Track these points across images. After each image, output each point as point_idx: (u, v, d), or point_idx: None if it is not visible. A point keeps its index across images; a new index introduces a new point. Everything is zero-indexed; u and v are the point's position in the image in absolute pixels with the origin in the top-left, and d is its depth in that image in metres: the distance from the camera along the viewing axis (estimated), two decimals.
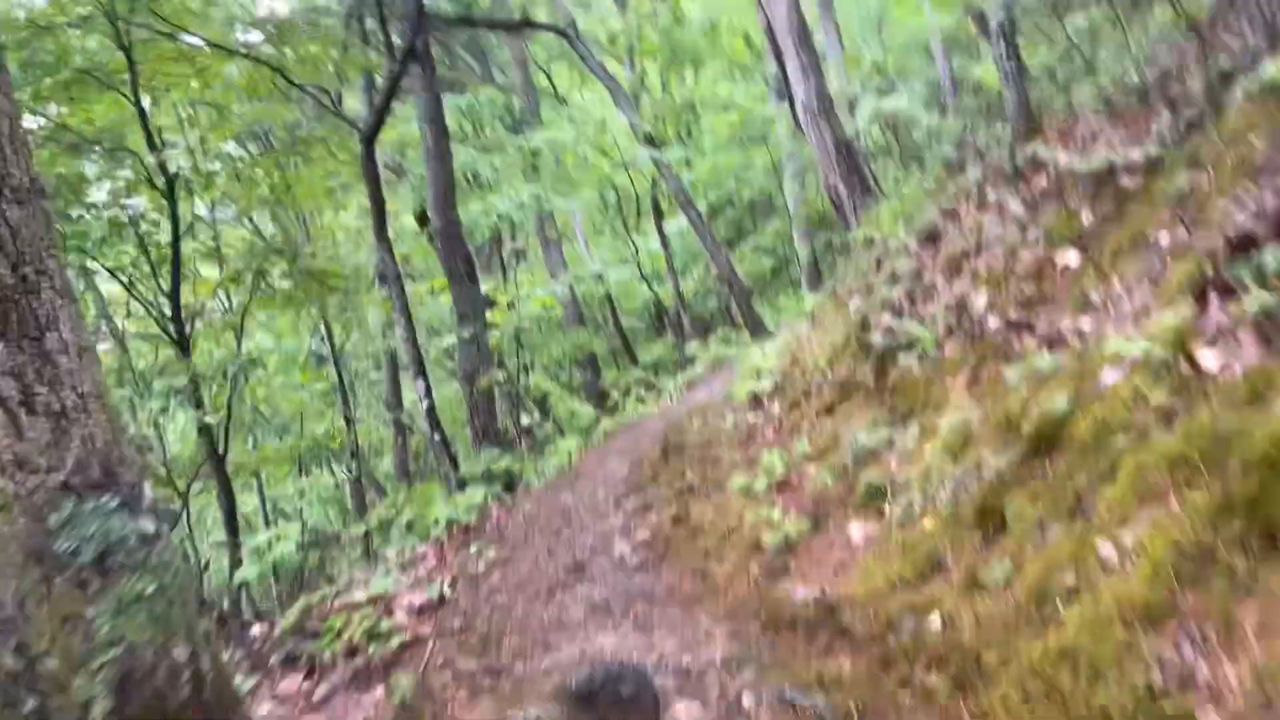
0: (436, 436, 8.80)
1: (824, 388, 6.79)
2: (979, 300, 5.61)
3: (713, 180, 25.44)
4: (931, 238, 7.79)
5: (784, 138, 25.68)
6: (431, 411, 8.80)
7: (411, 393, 16.37)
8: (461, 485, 8.86)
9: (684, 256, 26.39)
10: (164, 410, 10.69)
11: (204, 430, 10.17)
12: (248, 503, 16.18)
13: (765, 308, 23.19)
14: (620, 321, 23.76)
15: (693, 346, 19.41)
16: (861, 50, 23.75)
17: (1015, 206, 6.79)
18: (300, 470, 16.29)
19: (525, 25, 19.26)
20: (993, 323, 5.18)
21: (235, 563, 9.70)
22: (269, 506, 15.17)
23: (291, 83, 9.87)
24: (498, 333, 15.46)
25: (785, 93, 27.00)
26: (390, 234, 13.23)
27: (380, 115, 8.74)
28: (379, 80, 19.26)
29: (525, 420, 12.51)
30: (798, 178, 26.61)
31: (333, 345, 14.57)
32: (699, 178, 23.81)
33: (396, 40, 13.44)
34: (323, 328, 13.93)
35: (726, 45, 25.20)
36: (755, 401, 8.18)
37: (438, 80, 14.14)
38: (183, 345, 10.11)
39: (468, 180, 18.85)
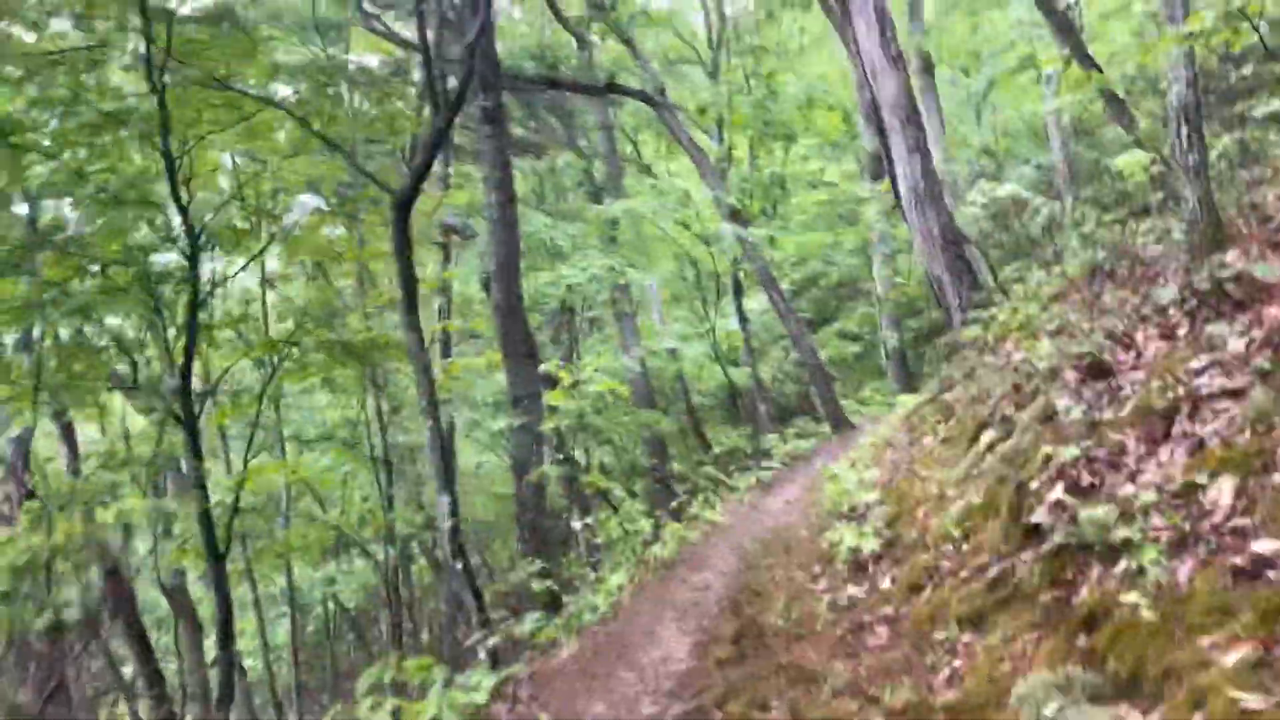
0: (459, 564, 7.04)
1: (961, 573, 4.87)
2: (1220, 493, 3.71)
3: (798, 259, 23.67)
4: (1099, 372, 5.87)
5: (875, 219, 23.88)
6: (455, 534, 7.05)
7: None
8: (484, 623, 7.08)
9: (763, 338, 24.57)
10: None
11: (204, 520, 8.57)
12: (273, 583, 14.66)
13: (848, 400, 21.21)
14: (692, 402, 21.93)
15: (769, 439, 17.48)
16: (961, 132, 21.90)
17: (1235, 343, 4.86)
18: (338, 552, 14.69)
19: (610, 90, 17.83)
20: (1266, 545, 3.27)
21: (226, 689, 8.04)
22: (289, 594, 13.55)
23: (321, 137, 8.38)
24: (560, 416, 13.73)
25: (880, 172, 25.21)
26: (437, 306, 11.64)
27: (417, 178, 7.18)
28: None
29: (577, 523, 10.71)
30: (888, 262, 24.71)
31: (379, 420, 12.98)
32: (784, 255, 22.07)
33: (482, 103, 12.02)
34: (363, 402, 12.35)
35: (821, 121, 23.58)
36: (857, 565, 6.28)
37: (510, 141, 12.62)
38: (189, 428, 8.57)
39: (545, 246, 17.34)
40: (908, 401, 16.30)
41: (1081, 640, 3.58)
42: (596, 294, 15.97)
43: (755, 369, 18.93)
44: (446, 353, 17.23)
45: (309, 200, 12.72)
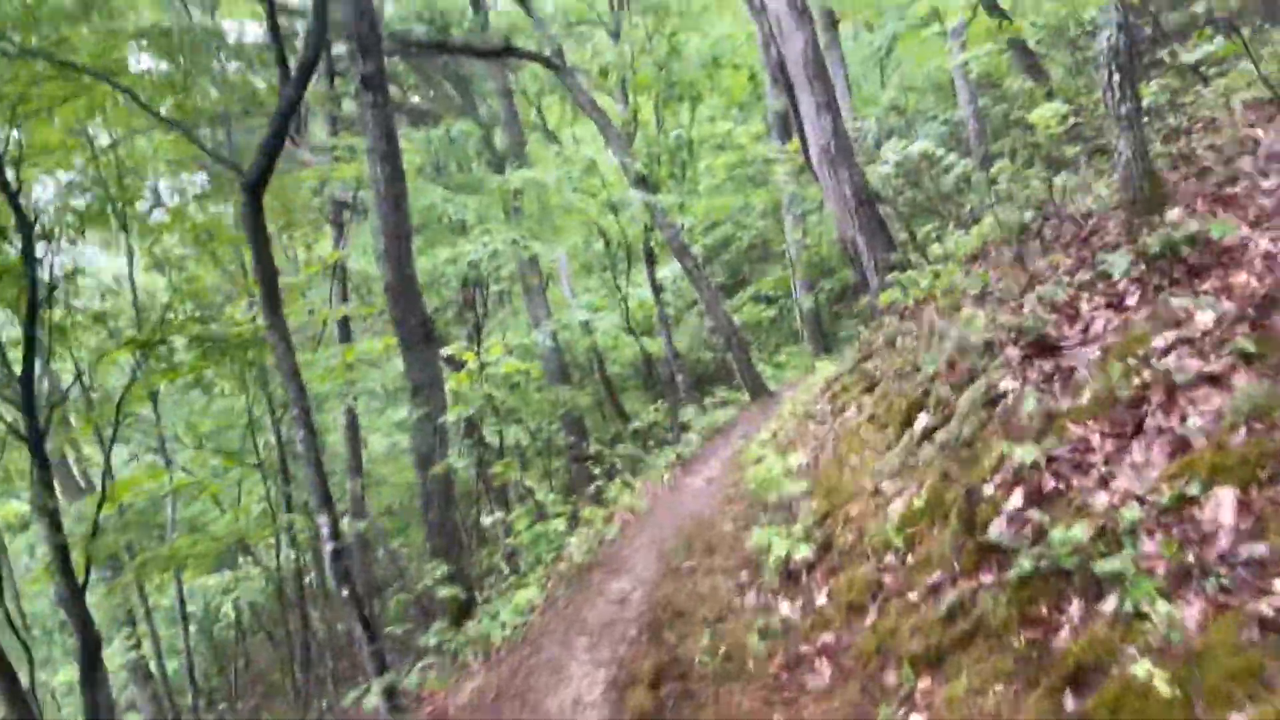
0: (345, 592, 6.16)
1: (909, 594, 4.20)
2: (1220, 509, 3.06)
3: (709, 224, 22.94)
4: (1042, 349, 5.24)
5: (784, 180, 23.26)
6: (339, 559, 6.17)
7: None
8: (377, 657, 6.23)
9: (677, 306, 23.86)
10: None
11: (58, 552, 7.53)
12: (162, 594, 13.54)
13: (764, 364, 20.65)
14: (607, 375, 21.15)
15: (688, 411, 16.81)
16: (867, 90, 21.31)
17: (1203, 317, 4.24)
18: (236, 558, 13.61)
19: (507, 53, 16.77)
20: None
21: None
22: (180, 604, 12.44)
23: (151, 112, 7.28)
24: (464, 403, 12.84)
25: (788, 131, 24.57)
26: (330, 289, 10.72)
27: (267, 157, 6.20)
28: (351, 108, 16.78)
29: (487, 519, 9.89)
30: (799, 223, 24.14)
31: (271, 419, 11.92)
32: (694, 220, 21.32)
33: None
34: (251, 400, 11.25)
35: (727, 82, 22.79)
36: (788, 574, 5.59)
37: (395, 109, 11.59)
38: (35, 446, 7.50)
39: (444, 221, 16.29)
40: (826, 368, 15.78)
41: (1071, 702, 2.91)
42: (500, 269, 15.01)
43: (670, 339, 18.20)
44: (346, 337, 16.15)
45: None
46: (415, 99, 19.46)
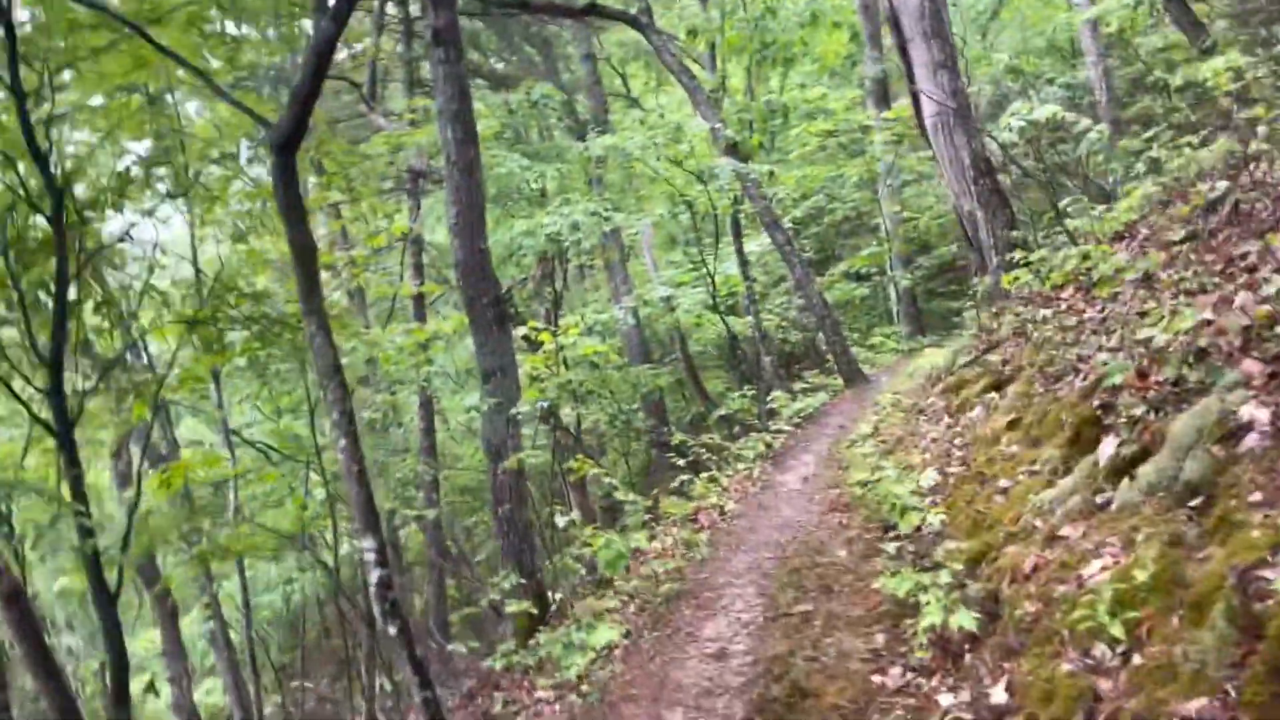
0: (393, 628, 5.07)
1: None
2: None
3: (799, 195, 21.44)
4: None
5: (881, 149, 21.61)
6: (385, 589, 5.08)
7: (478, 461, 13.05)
8: (431, 710, 5.13)
9: (763, 281, 22.44)
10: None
11: (89, 561, 6.60)
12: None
13: (857, 347, 19.16)
14: (689, 354, 19.88)
15: (776, 396, 15.49)
16: (976, 51, 19.49)
17: None
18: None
19: (591, 11, 15.49)
20: None
21: None
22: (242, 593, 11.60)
23: (181, 62, 6.17)
24: (542, 386, 11.76)
25: (885, 99, 22.87)
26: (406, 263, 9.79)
27: (300, 107, 5.06)
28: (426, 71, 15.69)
29: (562, 519, 8.77)
30: (896, 195, 22.47)
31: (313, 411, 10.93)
32: (784, 191, 19.86)
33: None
34: (305, 387, 10.26)
35: (822, 44, 21.16)
36: (945, 649, 4.30)
37: (468, 68, 10.44)
38: (64, 440, 6.58)
39: (523, 191, 15.15)
40: (931, 355, 14.29)
41: None
42: (580, 242, 13.84)
43: (758, 317, 16.84)
44: (421, 317, 15.18)
45: None
46: (495, 64, 18.34)
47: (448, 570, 16.84)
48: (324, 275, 16.58)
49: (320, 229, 15.14)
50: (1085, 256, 7.94)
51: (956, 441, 7.92)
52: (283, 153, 5.11)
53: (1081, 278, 8.42)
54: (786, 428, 14.25)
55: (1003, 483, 5.63)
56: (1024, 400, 7.19)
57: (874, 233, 22.77)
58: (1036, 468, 5.49)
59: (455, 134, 9.84)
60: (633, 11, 15.10)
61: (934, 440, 8.88)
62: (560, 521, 9.17)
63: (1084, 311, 7.70)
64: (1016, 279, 10.17)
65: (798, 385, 17.01)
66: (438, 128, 10.20)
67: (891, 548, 5.83)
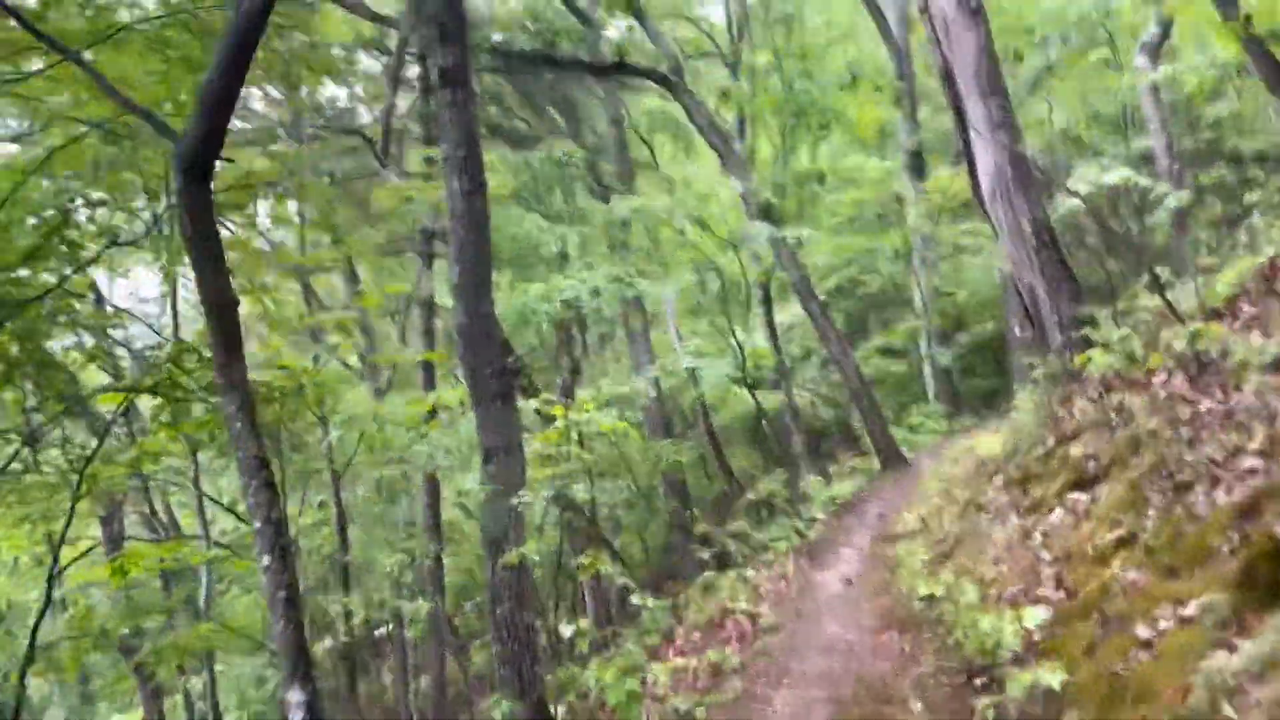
0: None
1: None
2: None
3: (831, 267, 20.21)
4: None
5: (917, 220, 20.40)
6: None
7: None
8: None
9: (792, 354, 21.10)
10: None
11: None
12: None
13: (893, 426, 17.72)
14: (714, 429, 18.49)
15: (808, 480, 14.06)
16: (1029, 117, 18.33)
17: None
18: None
19: (619, 69, 14.49)
20: None
21: None
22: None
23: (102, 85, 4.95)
24: (553, 466, 10.46)
25: (921, 171, 21.74)
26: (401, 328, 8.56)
27: (210, 117, 3.80)
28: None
29: (567, 628, 7.38)
30: (933, 269, 21.23)
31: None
32: (815, 262, 18.64)
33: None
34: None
35: (857, 111, 20.09)
36: None
37: (475, 115, 9.32)
38: None
39: (540, 253, 13.96)
40: (983, 441, 12.84)
41: None
42: (601, 309, 12.62)
43: (790, 393, 15.49)
44: (431, 385, 13.91)
45: None
46: (517, 124, 17.36)
47: (451, 649, 15.34)
48: (334, 338, 15.47)
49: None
50: (1195, 337, 6.58)
51: (1043, 555, 6.47)
52: (191, 174, 3.88)
53: (1179, 361, 7.05)
54: (821, 515, 12.82)
55: (1141, 630, 4.21)
56: (1132, 510, 5.78)
57: (908, 306, 21.46)
58: (1189, 613, 4.07)
59: (462, 184, 8.68)
60: (662, 70, 14.03)
61: (1007, 548, 7.42)
62: (566, 631, 7.77)
63: (1197, 402, 6.32)
64: (1089, 359, 8.85)
65: (831, 467, 15.60)
66: (444, 176, 9.04)
67: (989, 710, 4.40)
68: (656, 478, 17.71)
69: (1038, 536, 7.19)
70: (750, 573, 11.06)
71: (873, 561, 10.14)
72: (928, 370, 20.56)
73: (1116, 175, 10.60)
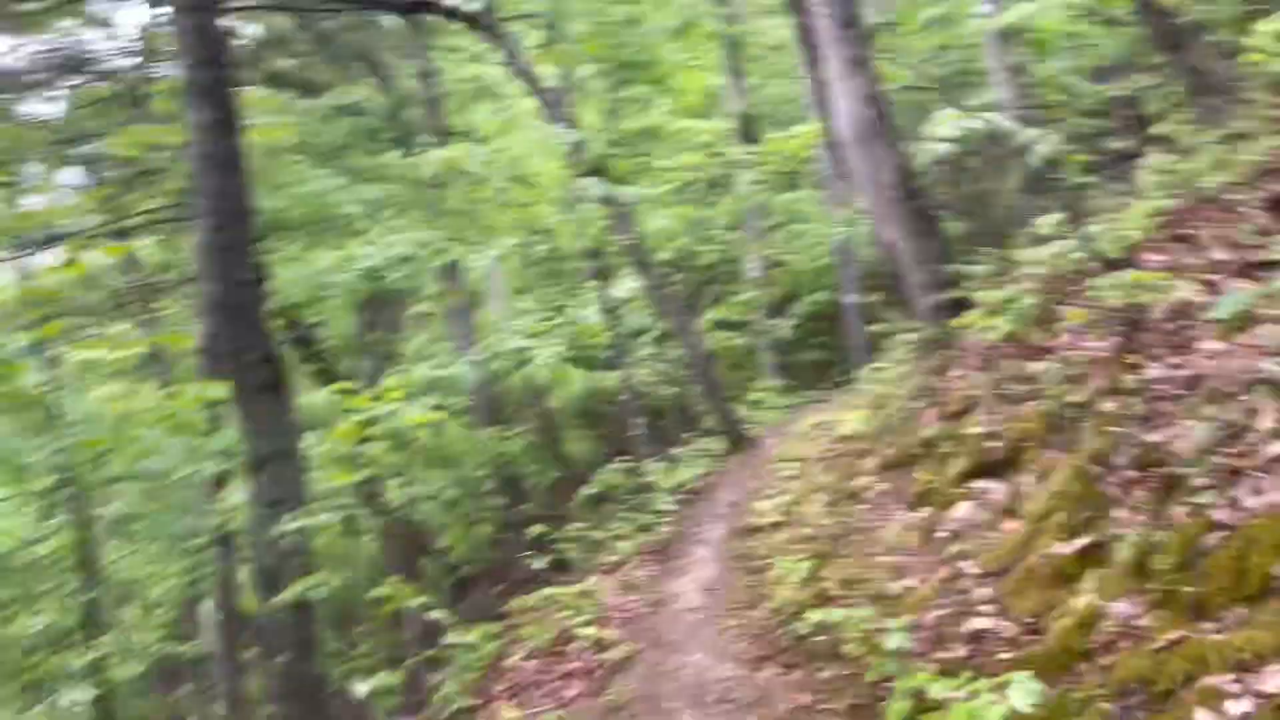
0: None
1: None
2: None
3: (668, 235, 18.69)
4: None
5: (749, 187, 19.17)
6: None
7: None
8: None
9: (625, 331, 19.50)
10: None
11: None
12: None
13: (735, 403, 16.41)
14: (549, 413, 16.74)
15: (650, 467, 12.50)
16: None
17: None
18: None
19: (420, 8, 12.38)
20: None
21: None
22: None
23: None
24: (347, 470, 8.43)
25: (753, 137, 20.55)
26: None
27: None
28: None
29: (362, 685, 5.51)
30: (764, 237, 20.09)
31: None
32: (651, 230, 17.06)
33: None
34: None
35: (687, 80, 18.57)
36: None
37: (221, 32, 7.17)
38: None
39: (331, 217, 11.72)
40: (837, 417, 11.59)
41: None
42: (410, 281, 10.61)
43: (628, 372, 13.87)
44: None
45: None
46: (310, 76, 14.94)
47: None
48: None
49: None
50: (1130, 288, 5.26)
51: (966, 566, 5.04)
52: None
53: (1107, 318, 5.78)
54: (668, 506, 11.27)
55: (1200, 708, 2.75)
56: (1087, 508, 4.40)
57: (744, 278, 20.24)
58: (1233, 683, 2.64)
59: (204, 115, 6.54)
60: (473, 7, 12.03)
61: (907, 552, 6.00)
62: (360, 689, 5.87)
63: (1140, 368, 5.01)
64: (968, 322, 7.61)
65: (674, 450, 14.11)
66: (184, 107, 6.86)
67: None
68: (486, 470, 15.82)
69: (945, 535, 5.80)
70: (594, 581, 9.39)
71: (732, 562, 8.63)
72: (765, 343, 19.43)
73: (980, 121, 9.48)
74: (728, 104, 20.52)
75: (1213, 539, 3.33)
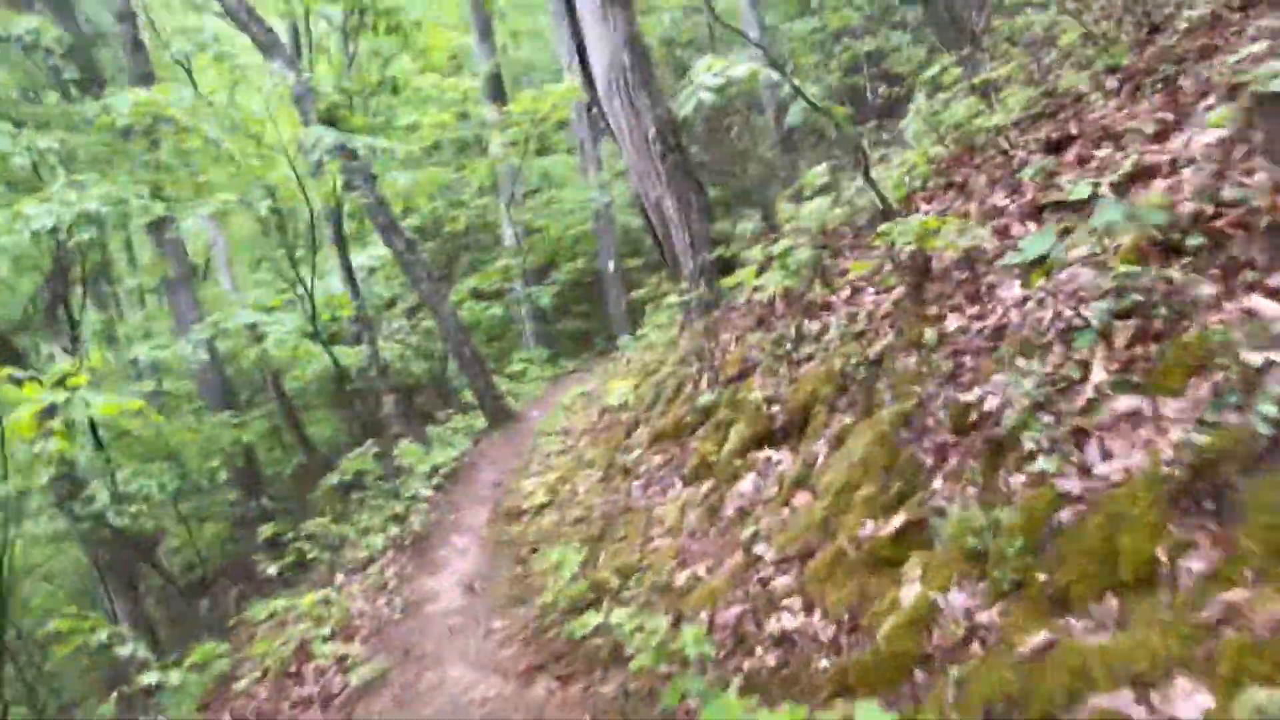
0: None
1: None
2: None
3: (412, 200, 17.30)
4: None
5: (500, 150, 18.11)
6: None
7: None
8: None
9: (372, 302, 17.96)
10: None
11: None
12: None
13: (495, 374, 15.43)
14: (287, 395, 15.06)
15: (402, 446, 11.32)
16: None
17: None
18: None
19: None
20: None
21: None
22: None
23: None
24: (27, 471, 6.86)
25: (502, 96, 19.45)
26: None
27: None
28: None
29: None
30: (518, 202, 19.09)
31: None
32: (396, 194, 15.66)
33: None
34: None
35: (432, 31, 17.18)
36: None
37: None
38: None
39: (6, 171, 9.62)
40: (605, 386, 10.87)
41: None
42: (102, 244, 8.82)
43: (374, 347, 12.53)
44: None
45: None
46: None
47: None
48: None
49: None
50: (922, 235, 4.78)
51: (761, 550, 4.39)
52: None
53: (896, 268, 5.31)
54: (424, 491, 10.17)
55: None
56: (896, 479, 3.84)
57: (499, 245, 19.20)
58: (1135, 704, 2.08)
59: None
60: None
61: (689, 534, 5.32)
62: None
63: (940, 319, 4.54)
64: (738, 281, 7.06)
65: (429, 428, 12.95)
66: None
67: None
68: (216, 459, 13.95)
69: (731, 514, 5.16)
70: (338, 583, 8.20)
71: (496, 551, 7.73)
72: (524, 313, 18.53)
73: (745, 69, 8.94)
74: (476, 65, 19.33)
75: (1066, 514, 2.78)
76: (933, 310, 4.62)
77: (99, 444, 10.18)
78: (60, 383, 6.88)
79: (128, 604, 11.27)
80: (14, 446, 7.29)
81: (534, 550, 7.05)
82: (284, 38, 13.76)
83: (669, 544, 5.43)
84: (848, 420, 4.73)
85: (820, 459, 4.72)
